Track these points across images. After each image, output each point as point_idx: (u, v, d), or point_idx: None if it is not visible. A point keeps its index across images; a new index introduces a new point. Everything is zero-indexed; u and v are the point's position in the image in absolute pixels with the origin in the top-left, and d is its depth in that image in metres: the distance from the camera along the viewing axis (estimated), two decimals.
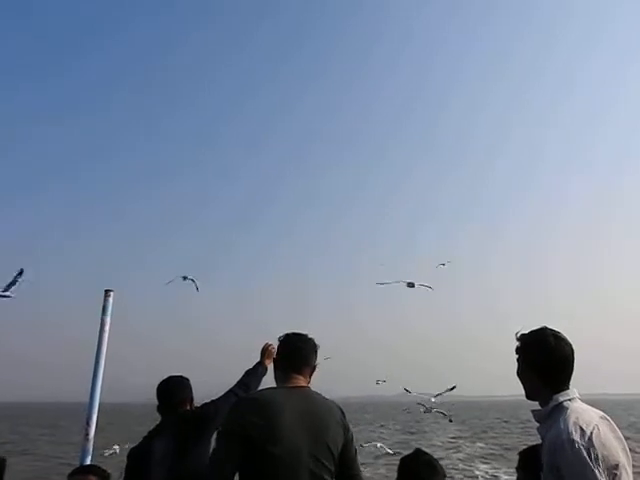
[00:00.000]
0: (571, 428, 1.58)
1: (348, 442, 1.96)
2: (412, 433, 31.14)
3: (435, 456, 2.21)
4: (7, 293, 3.84)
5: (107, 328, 3.09)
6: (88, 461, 2.77)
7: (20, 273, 3.84)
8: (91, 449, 2.84)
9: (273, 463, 1.78)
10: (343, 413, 2.02)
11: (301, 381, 2.03)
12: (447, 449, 22.03)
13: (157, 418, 2.45)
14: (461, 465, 17.16)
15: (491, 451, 21.53)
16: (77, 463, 2.63)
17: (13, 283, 3.80)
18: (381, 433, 30.75)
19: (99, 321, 3.12)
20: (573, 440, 1.55)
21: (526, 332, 1.85)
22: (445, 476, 2.12)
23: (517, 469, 2.14)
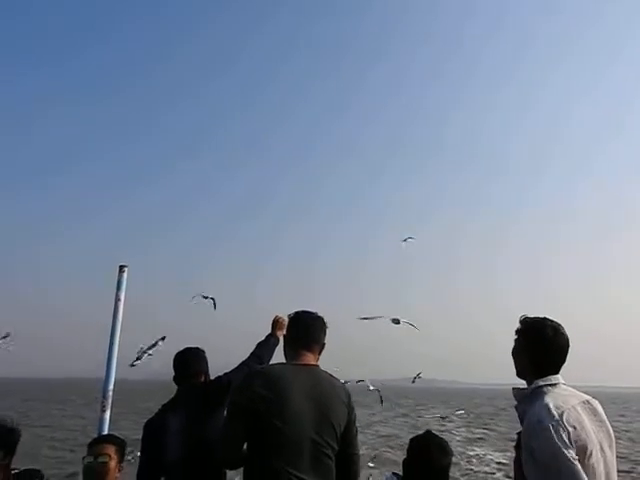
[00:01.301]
0: (543, 411, 1.68)
1: (351, 422, 2.00)
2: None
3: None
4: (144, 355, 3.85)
5: (122, 303, 3.12)
6: (105, 431, 2.83)
7: (162, 338, 3.95)
8: (108, 420, 2.90)
9: (279, 437, 1.82)
10: (348, 394, 2.06)
11: (310, 358, 2.06)
12: (440, 431, 22.60)
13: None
14: (459, 448, 17.55)
15: (482, 436, 21.97)
16: (94, 434, 2.71)
17: (154, 345, 3.92)
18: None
19: (107, 298, 3.15)
20: (542, 422, 1.65)
21: (529, 318, 1.93)
22: (453, 456, 2.17)
23: (515, 447, 2.16)
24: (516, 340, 1.95)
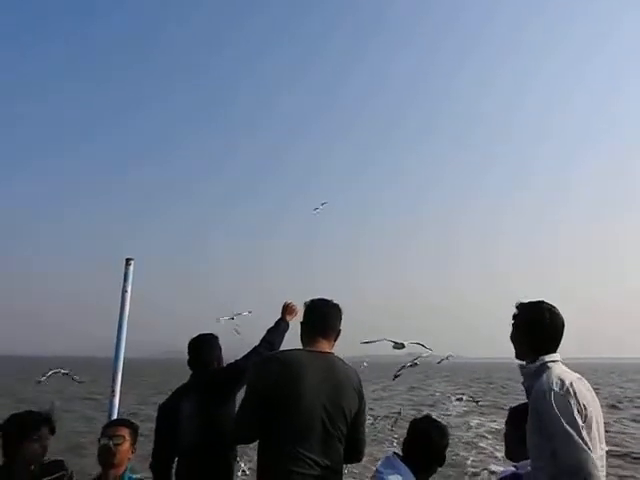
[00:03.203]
0: (553, 380, 1.80)
1: (361, 409, 2.08)
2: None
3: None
4: None
5: (128, 295, 3.22)
6: (115, 415, 2.98)
7: (249, 312, 4.17)
8: (117, 404, 3.05)
9: (292, 420, 1.90)
10: (360, 382, 2.12)
11: (325, 345, 2.12)
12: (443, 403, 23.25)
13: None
14: (458, 420, 17.95)
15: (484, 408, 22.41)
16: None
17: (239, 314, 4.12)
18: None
19: (114, 288, 3.26)
20: (553, 390, 1.76)
21: (525, 302, 2.01)
22: (450, 437, 2.30)
23: (506, 423, 2.31)
24: (514, 325, 2.03)
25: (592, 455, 1.67)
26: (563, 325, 1.96)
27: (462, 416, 19.00)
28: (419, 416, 2.39)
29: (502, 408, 20.23)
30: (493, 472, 9.55)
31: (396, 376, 6.17)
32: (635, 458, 11.52)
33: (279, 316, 2.84)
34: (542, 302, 1.98)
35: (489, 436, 14.11)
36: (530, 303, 2.00)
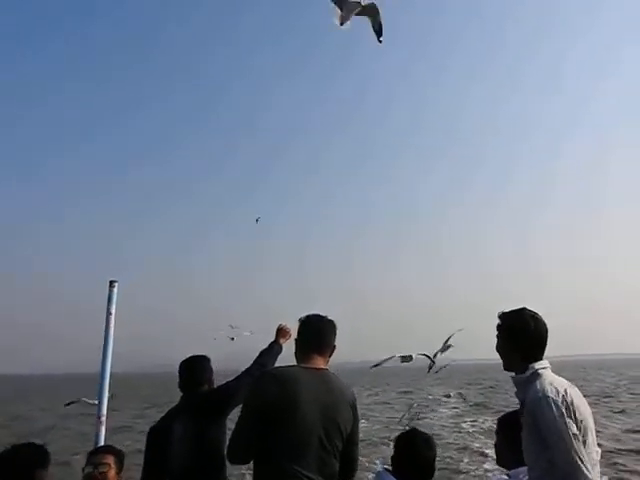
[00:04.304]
0: (547, 387, 1.79)
1: (355, 425, 2.09)
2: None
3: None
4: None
5: (113, 317, 3.19)
6: (102, 441, 2.94)
7: (251, 332, 4.01)
8: (104, 430, 3.00)
9: (288, 437, 1.89)
10: (354, 398, 2.12)
11: (320, 362, 2.11)
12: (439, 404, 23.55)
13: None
14: (450, 421, 18.06)
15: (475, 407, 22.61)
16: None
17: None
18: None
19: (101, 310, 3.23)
20: (548, 397, 1.76)
21: (507, 312, 2.00)
22: (437, 449, 2.28)
23: (496, 433, 2.31)
24: (499, 336, 2.02)
25: (588, 465, 1.69)
26: (547, 331, 1.96)
27: (454, 417, 19.11)
28: (404, 430, 2.37)
29: (491, 408, 20.45)
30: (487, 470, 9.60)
31: (375, 365, 6.12)
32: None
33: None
34: (524, 309, 1.98)
35: (482, 436, 14.20)
36: (512, 312, 2.00)
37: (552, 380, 1.85)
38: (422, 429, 2.38)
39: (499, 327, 2.01)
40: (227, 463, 2.25)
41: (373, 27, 3.77)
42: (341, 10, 3.66)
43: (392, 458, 2.27)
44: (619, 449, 11.95)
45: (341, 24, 3.72)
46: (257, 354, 2.79)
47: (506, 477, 2.16)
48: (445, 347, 5.41)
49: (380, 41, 3.82)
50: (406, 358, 5.08)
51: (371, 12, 3.72)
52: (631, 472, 9.99)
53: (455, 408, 22.58)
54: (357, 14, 3.72)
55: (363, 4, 3.66)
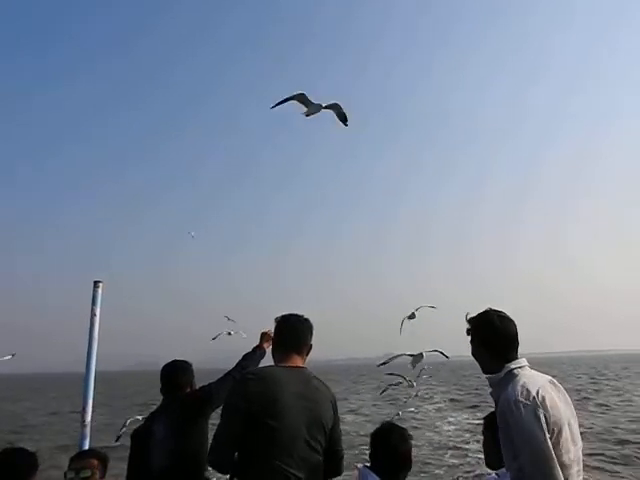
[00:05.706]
0: (518, 390, 1.77)
1: (336, 421, 2.13)
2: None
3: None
4: None
5: (97, 318, 3.16)
6: (86, 446, 2.91)
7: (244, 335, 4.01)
8: (88, 434, 2.97)
9: (272, 436, 1.90)
10: (334, 395, 2.17)
11: (298, 361, 2.14)
12: (423, 399, 23.60)
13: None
14: (433, 414, 18.35)
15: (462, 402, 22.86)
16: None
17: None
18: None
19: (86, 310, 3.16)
20: (519, 401, 1.74)
21: (474, 315, 2.02)
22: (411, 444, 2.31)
23: (483, 432, 2.32)
24: (471, 341, 2.01)
25: (558, 471, 1.68)
26: (516, 328, 1.95)
27: (437, 412, 19.33)
28: (379, 425, 2.40)
29: (477, 406, 20.73)
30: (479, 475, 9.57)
31: (383, 363, 6.10)
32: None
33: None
34: (488, 310, 1.99)
35: (466, 435, 14.32)
36: (478, 315, 2.01)
37: (525, 381, 1.82)
38: (400, 424, 2.39)
39: (468, 332, 2.02)
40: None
41: (338, 117, 4.30)
42: (306, 107, 4.10)
43: (370, 455, 2.29)
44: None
45: (307, 115, 4.16)
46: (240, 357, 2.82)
47: (495, 476, 2.16)
48: (411, 315, 5.46)
49: (346, 125, 4.33)
50: (417, 357, 4.99)
51: (334, 108, 4.25)
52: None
53: (438, 403, 22.86)
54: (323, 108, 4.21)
55: (324, 106, 4.15)
